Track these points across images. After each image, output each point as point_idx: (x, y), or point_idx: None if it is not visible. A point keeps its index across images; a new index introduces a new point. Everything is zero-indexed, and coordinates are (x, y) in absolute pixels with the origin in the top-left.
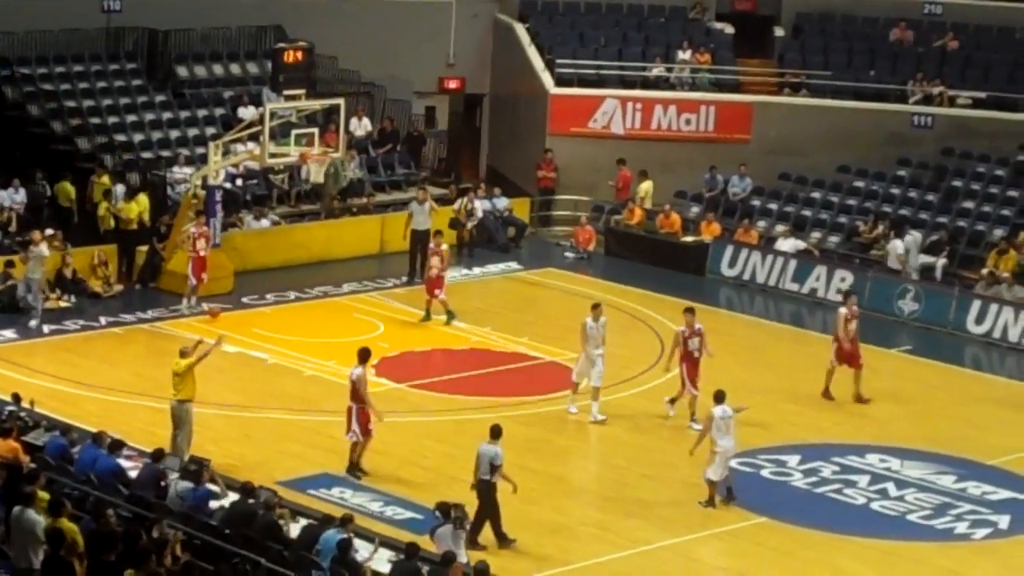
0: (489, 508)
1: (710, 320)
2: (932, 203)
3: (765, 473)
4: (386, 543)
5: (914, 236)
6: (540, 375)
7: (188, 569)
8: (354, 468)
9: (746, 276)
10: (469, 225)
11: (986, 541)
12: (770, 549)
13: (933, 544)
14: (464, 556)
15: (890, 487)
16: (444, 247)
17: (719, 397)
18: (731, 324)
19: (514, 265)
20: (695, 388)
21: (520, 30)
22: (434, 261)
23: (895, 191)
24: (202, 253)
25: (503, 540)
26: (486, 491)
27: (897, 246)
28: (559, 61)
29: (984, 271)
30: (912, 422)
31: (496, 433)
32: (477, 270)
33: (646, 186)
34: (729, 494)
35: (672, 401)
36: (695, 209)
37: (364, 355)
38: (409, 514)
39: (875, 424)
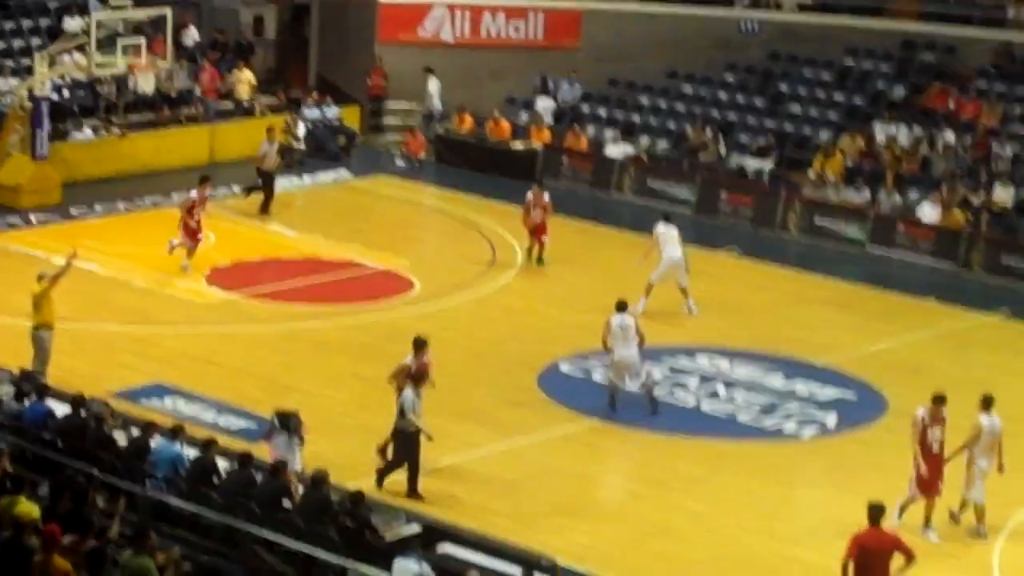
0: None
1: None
2: (759, 107)
3: (597, 376)
4: (221, 452)
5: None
6: (372, 282)
7: (18, 482)
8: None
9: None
10: (297, 146)
11: (814, 439)
12: (604, 451)
13: (763, 443)
14: (299, 464)
15: (720, 388)
16: (546, 197)
17: (621, 306)
18: (563, 230)
19: (345, 174)
20: (934, 491)
21: None
22: (537, 214)
23: (723, 96)
24: None
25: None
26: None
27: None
28: None
29: (811, 174)
30: (741, 323)
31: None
32: (308, 179)
33: None
34: (652, 402)
35: (927, 522)
36: (524, 116)
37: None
38: (243, 423)
39: (704, 326)
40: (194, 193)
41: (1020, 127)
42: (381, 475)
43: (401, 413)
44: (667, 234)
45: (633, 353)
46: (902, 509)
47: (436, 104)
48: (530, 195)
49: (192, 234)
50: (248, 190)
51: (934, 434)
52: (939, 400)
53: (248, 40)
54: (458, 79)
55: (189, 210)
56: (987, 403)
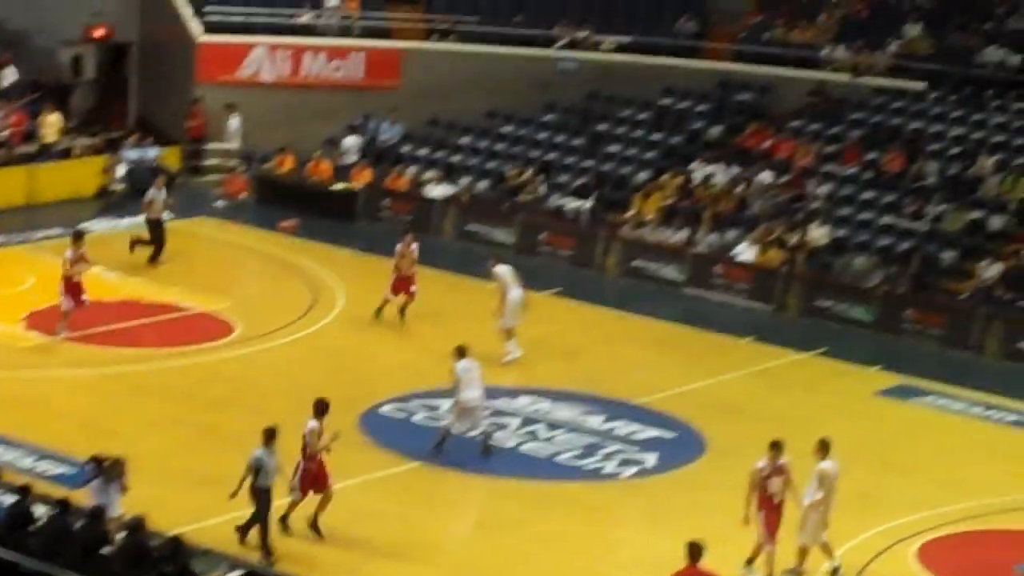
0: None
1: (365, 266)
2: (579, 147)
3: (417, 418)
4: (39, 498)
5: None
6: (192, 325)
7: None
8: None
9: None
10: (116, 188)
11: (634, 479)
12: (424, 494)
13: (582, 484)
14: (118, 510)
15: (540, 429)
16: (414, 247)
17: (461, 352)
18: (383, 271)
19: (165, 215)
20: (772, 541)
21: None
22: (405, 263)
23: (542, 136)
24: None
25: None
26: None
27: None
28: (207, 8)
29: (629, 214)
30: (561, 364)
31: (267, 436)
32: (127, 220)
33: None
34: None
35: (750, 561)
36: (344, 157)
37: (321, 408)
38: (61, 468)
39: (525, 367)
40: (69, 252)
41: (834, 166)
42: (243, 530)
43: (254, 471)
44: (507, 275)
45: (477, 396)
46: (752, 560)
47: (236, 143)
48: (400, 246)
49: (75, 294)
50: (133, 243)
51: (774, 485)
52: (776, 448)
53: (67, 81)
54: (280, 119)
55: (68, 271)
56: (824, 448)
